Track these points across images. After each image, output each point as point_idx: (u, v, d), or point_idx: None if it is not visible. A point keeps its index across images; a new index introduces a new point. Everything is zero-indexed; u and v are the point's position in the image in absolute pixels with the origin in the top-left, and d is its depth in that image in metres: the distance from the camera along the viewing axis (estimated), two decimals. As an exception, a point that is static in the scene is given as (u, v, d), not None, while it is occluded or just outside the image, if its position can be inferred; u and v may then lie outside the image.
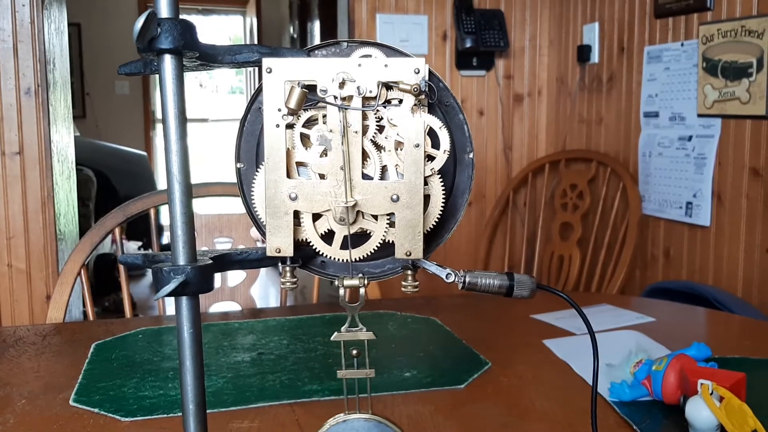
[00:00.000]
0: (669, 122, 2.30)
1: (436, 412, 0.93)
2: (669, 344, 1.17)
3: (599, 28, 2.67)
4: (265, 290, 4.64)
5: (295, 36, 5.61)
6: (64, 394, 0.97)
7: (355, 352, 0.59)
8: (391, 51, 0.54)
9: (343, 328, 0.58)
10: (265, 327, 1.28)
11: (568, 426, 0.89)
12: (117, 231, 1.50)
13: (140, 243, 4.93)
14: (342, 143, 0.50)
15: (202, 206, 1.64)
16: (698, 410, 0.80)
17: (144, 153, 5.48)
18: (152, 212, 1.57)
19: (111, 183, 4.57)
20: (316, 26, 4.93)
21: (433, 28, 2.84)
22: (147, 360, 1.11)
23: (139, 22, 0.44)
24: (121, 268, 1.52)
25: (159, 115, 7.11)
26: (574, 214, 2.73)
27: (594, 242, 2.60)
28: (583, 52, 2.74)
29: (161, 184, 5.54)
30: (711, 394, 0.81)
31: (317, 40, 4.90)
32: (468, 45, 2.77)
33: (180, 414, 0.91)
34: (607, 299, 1.51)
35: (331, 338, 0.59)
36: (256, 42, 6.36)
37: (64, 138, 2.52)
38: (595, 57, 2.70)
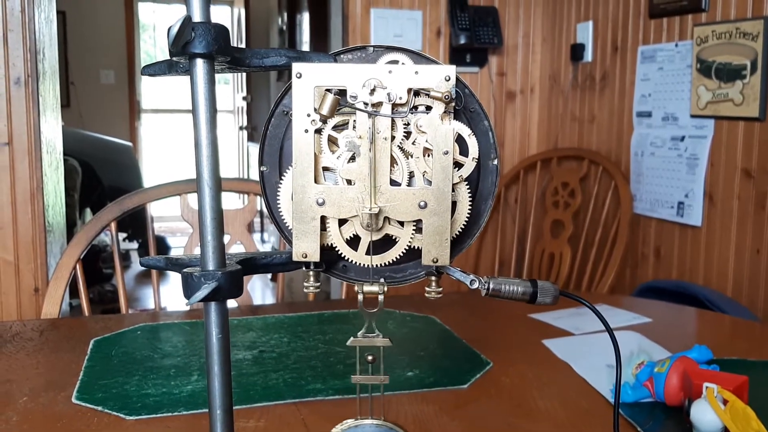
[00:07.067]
0: (662, 122, 2.32)
1: (440, 412, 0.93)
2: (667, 345, 1.18)
3: (593, 26, 2.68)
4: (252, 284, 4.62)
5: (284, 28, 5.58)
6: (66, 392, 0.96)
7: (370, 358, 0.59)
8: (417, 57, 0.54)
9: (359, 334, 0.58)
10: (265, 324, 1.28)
11: (572, 427, 0.89)
12: (113, 225, 1.49)
13: (125, 234, 4.90)
14: (370, 150, 0.50)
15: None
16: (703, 413, 0.81)
17: (129, 143, 5.43)
18: (148, 207, 1.56)
19: (95, 173, 4.52)
20: (306, 18, 4.90)
21: (428, 23, 2.84)
22: (148, 357, 1.10)
23: (175, 27, 0.43)
24: (116, 263, 1.50)
25: (144, 105, 7.04)
26: (565, 212, 2.74)
27: (585, 240, 2.61)
28: (577, 50, 2.74)
29: (146, 175, 5.50)
30: (716, 397, 0.82)
31: (306, 33, 4.86)
32: (462, 41, 2.77)
33: (185, 413, 0.90)
34: (600, 299, 1.52)
35: (347, 343, 0.59)
36: (244, 35, 6.32)
37: (52, 128, 2.48)
38: (588, 56, 2.71)
